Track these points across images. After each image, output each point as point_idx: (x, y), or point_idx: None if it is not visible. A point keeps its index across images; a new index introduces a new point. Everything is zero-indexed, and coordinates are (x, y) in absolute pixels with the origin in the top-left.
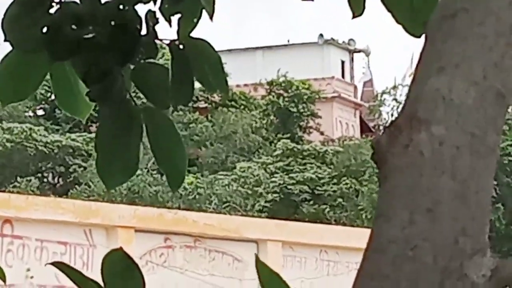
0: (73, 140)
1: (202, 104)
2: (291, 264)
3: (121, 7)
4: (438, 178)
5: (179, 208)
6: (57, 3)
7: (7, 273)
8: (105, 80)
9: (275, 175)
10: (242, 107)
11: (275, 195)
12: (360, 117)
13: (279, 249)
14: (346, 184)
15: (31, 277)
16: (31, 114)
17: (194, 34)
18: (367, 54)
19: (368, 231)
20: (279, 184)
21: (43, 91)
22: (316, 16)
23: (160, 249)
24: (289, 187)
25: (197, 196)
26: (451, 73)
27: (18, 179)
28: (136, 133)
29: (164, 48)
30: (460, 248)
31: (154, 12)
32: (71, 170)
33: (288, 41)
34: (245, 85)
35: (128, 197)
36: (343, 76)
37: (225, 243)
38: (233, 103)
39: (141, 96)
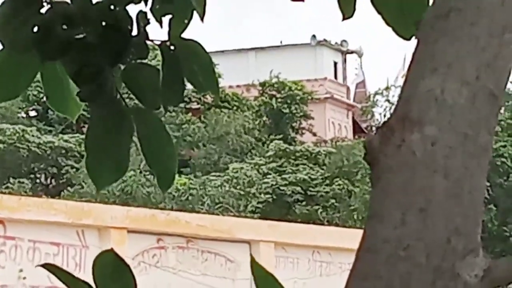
0: (65, 141)
1: (194, 105)
2: (283, 265)
3: (112, 7)
4: (430, 178)
5: (171, 209)
6: (48, 3)
7: (0, 274)
8: (96, 80)
9: (268, 176)
10: (235, 108)
11: (267, 196)
12: (353, 118)
13: (271, 250)
14: (339, 185)
15: (24, 278)
16: (23, 115)
17: (187, 35)
18: (360, 55)
19: (361, 231)
20: (272, 185)
21: (35, 92)
22: (309, 17)
23: (153, 250)
24: (281, 188)
25: (189, 197)
26: (443, 74)
27: (11, 180)
28: (127, 133)
29: (157, 49)
30: (453, 248)
31: (145, 13)
32: (63, 171)
33: (281, 42)
34: (238, 86)
35: (121, 198)
36: (335, 77)
37: (218, 244)
38: (225, 104)
39: (133, 97)
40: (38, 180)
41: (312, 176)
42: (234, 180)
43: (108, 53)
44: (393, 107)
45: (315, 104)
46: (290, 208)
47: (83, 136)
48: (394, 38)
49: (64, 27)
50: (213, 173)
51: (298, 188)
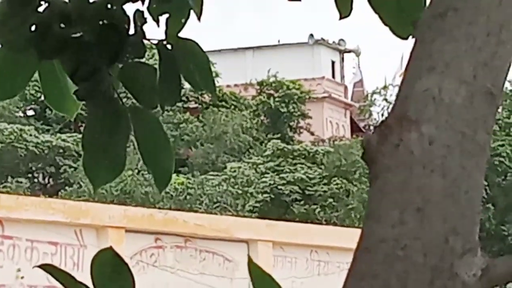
0: (63, 140)
1: (192, 104)
2: (281, 264)
3: (109, 6)
4: (428, 177)
5: (169, 208)
6: (45, 2)
7: None
8: (93, 79)
9: (266, 175)
10: (233, 107)
11: (265, 195)
12: (351, 117)
13: (269, 249)
14: (337, 184)
15: (22, 278)
16: (21, 114)
17: (184, 34)
18: (358, 54)
19: (359, 231)
20: (270, 184)
21: (33, 91)
22: (307, 16)
23: (151, 249)
24: (279, 187)
25: (187, 197)
26: (441, 73)
27: (9, 179)
28: (123, 132)
29: (154, 48)
30: (451, 248)
31: (142, 12)
32: (61, 170)
33: (279, 41)
34: (236, 85)
35: (119, 198)
36: (333, 76)
37: (216, 243)
38: (223, 103)
39: (130, 96)
40: (36, 180)
41: (310, 176)
42: (232, 180)
43: (105, 52)
44: (391, 106)
45: (312, 103)
46: (288, 208)
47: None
48: (391, 37)
49: (62, 26)
50: (211, 173)
51: (296, 188)
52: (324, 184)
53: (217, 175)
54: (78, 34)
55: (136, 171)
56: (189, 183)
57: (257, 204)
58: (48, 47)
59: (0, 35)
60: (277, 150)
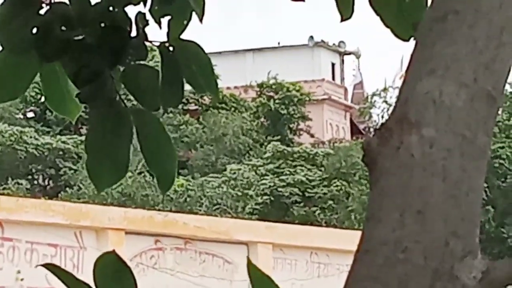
0: (63, 142)
1: (192, 106)
2: (281, 266)
3: (111, 8)
4: (428, 180)
5: (169, 210)
6: (47, 4)
7: None
8: (95, 81)
9: (266, 177)
10: (233, 109)
11: (265, 197)
12: (351, 119)
13: (269, 251)
14: (337, 186)
15: (22, 280)
16: (21, 116)
17: (184, 36)
18: (358, 56)
19: (359, 233)
20: (270, 186)
21: (33, 93)
22: (307, 18)
23: (151, 251)
24: (279, 189)
25: (187, 199)
26: (441, 76)
27: (9, 181)
28: (126, 134)
29: (156, 50)
30: (451, 250)
31: (144, 14)
32: (61, 172)
33: (279, 43)
34: (236, 87)
35: (119, 200)
36: (333, 78)
37: (216, 245)
38: (223, 105)
39: (132, 98)
40: (36, 182)
41: (310, 178)
42: (232, 182)
43: (107, 54)
44: (391, 108)
45: (312, 105)
46: (288, 210)
47: (81, 138)
48: (392, 39)
49: (63, 28)
50: (211, 175)
51: (296, 190)
52: (324, 186)
53: (217, 177)
54: (79, 37)
55: (136, 173)
56: (189, 185)
57: (257, 206)
58: (49, 50)
59: (2, 37)
60: (277, 152)
